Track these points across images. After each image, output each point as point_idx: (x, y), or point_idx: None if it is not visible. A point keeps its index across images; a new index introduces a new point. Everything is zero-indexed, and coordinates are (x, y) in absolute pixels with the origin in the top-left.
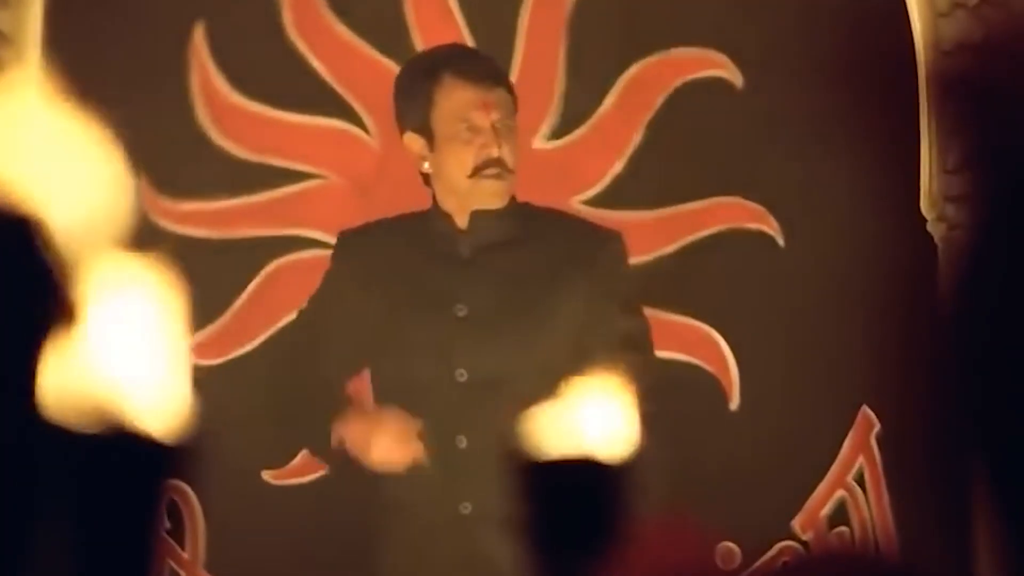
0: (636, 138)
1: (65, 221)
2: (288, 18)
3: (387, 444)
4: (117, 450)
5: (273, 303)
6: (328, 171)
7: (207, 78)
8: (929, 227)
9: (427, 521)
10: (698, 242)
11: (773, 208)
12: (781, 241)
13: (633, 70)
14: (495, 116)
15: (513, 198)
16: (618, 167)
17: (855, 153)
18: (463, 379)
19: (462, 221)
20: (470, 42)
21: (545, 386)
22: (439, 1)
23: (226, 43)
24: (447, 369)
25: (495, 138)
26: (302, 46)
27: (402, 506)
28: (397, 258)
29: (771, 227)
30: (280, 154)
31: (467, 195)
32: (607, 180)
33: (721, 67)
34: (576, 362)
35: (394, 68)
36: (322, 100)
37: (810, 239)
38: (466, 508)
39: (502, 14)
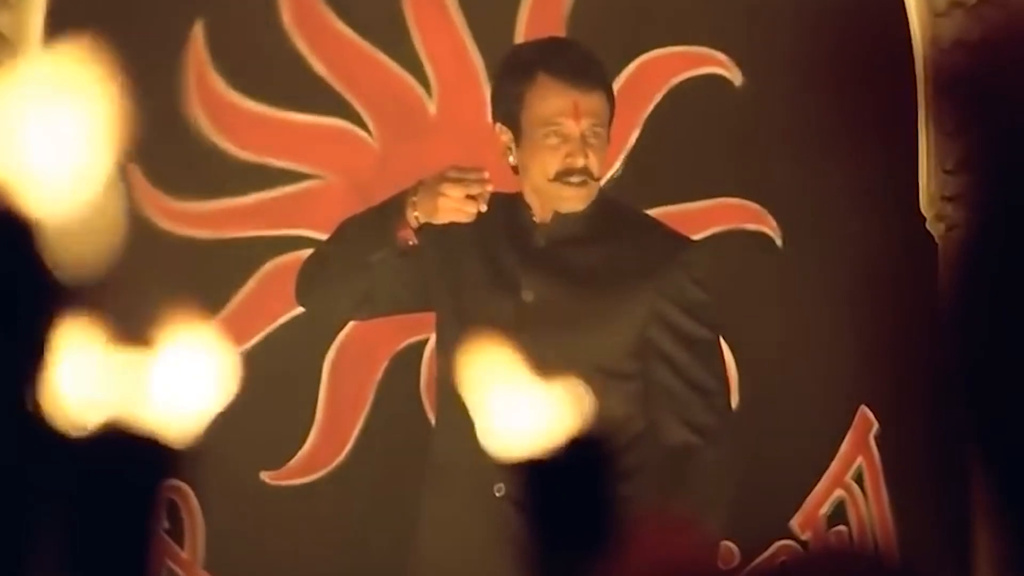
0: (634, 137)
1: (63, 220)
2: (287, 17)
3: (455, 196)
4: (116, 450)
5: (271, 303)
6: (327, 171)
7: (206, 78)
8: (928, 226)
9: (462, 497)
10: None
11: (772, 208)
12: (779, 241)
13: (631, 68)
14: (585, 123)
15: (597, 195)
16: (617, 166)
17: (854, 152)
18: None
19: (542, 217)
20: (469, 40)
21: (597, 385)
22: (438, 0)
23: (225, 42)
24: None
25: (582, 147)
26: (301, 45)
27: (445, 468)
28: (478, 231)
29: (770, 227)
30: (279, 154)
31: (547, 196)
32: (605, 179)
33: (720, 65)
34: (632, 366)
35: (393, 67)
36: (321, 99)
37: (809, 239)
38: (500, 490)
39: (501, 13)
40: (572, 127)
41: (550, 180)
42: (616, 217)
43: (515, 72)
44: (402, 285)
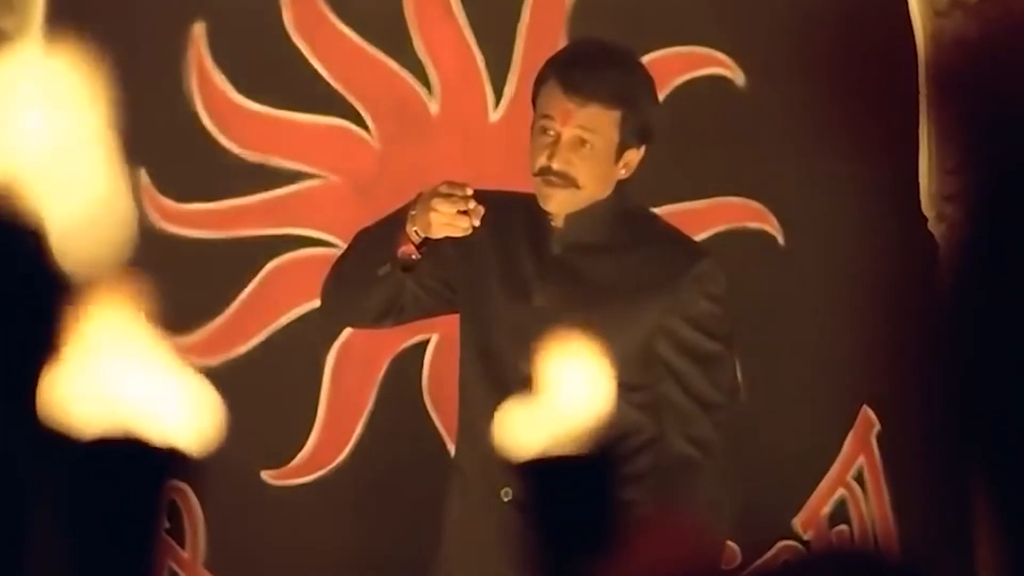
0: None
1: (64, 223)
2: (288, 17)
3: (447, 211)
4: (118, 452)
5: (272, 303)
6: (328, 170)
7: (207, 78)
8: (929, 226)
9: (474, 499)
10: (699, 241)
11: (774, 207)
12: (782, 240)
13: None
14: (572, 130)
15: (615, 201)
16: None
17: (856, 152)
18: (527, 372)
19: (558, 220)
20: (471, 40)
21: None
22: (440, 0)
23: (226, 42)
24: (513, 356)
25: (555, 147)
26: (302, 45)
27: (462, 470)
28: (499, 233)
29: (772, 226)
30: (280, 153)
31: (537, 193)
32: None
33: (722, 65)
34: (641, 377)
35: (394, 67)
36: (322, 99)
37: (811, 238)
38: (507, 495)
39: (502, 13)
40: (557, 127)
41: (534, 175)
42: (634, 226)
43: (541, 71)
44: (426, 290)
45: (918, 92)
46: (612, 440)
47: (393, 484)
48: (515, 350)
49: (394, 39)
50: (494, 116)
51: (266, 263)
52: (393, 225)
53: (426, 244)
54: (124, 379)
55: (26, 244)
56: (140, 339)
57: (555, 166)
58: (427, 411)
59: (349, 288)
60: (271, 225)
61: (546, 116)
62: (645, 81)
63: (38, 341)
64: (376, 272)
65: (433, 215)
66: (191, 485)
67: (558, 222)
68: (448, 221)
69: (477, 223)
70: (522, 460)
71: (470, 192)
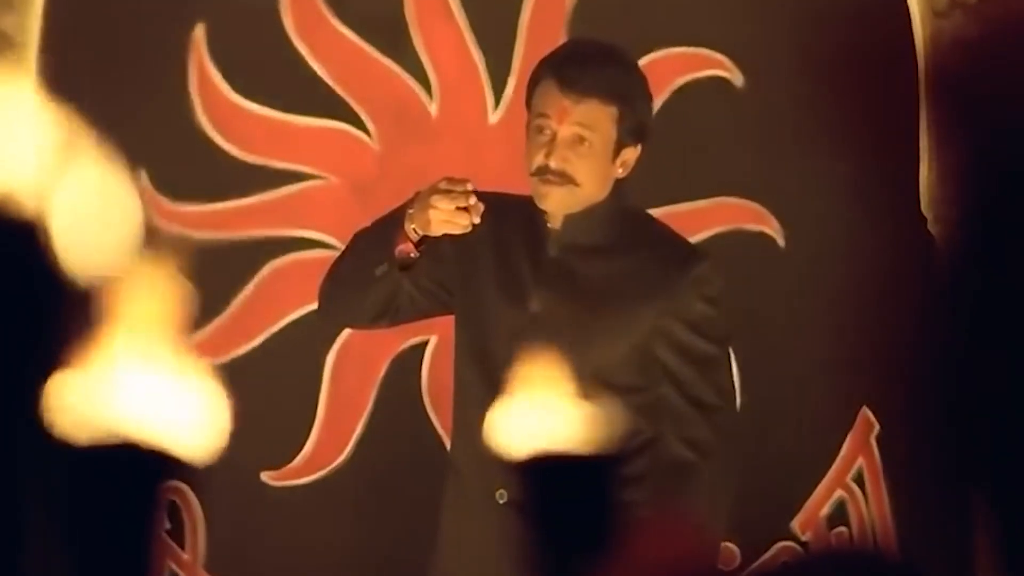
0: None
1: (67, 226)
2: (288, 19)
3: (446, 207)
4: (117, 453)
5: (272, 303)
6: (328, 172)
7: (207, 79)
8: (929, 227)
9: (470, 500)
10: (698, 243)
11: (773, 208)
12: (781, 241)
13: None
14: (567, 127)
15: (613, 202)
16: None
17: (855, 153)
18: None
19: (555, 222)
20: (470, 42)
21: (600, 397)
22: (440, 1)
23: (226, 44)
24: (509, 358)
25: (552, 145)
26: (302, 47)
27: (458, 471)
28: (496, 235)
29: (771, 227)
30: (280, 155)
31: (533, 193)
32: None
33: (721, 67)
34: (638, 379)
35: (394, 68)
36: (322, 101)
37: (810, 239)
38: (502, 497)
39: (502, 14)
40: (553, 126)
41: (531, 175)
42: (631, 227)
43: (535, 71)
44: (422, 291)
45: (918, 92)
46: (608, 442)
47: (393, 484)
48: (511, 352)
49: (394, 41)
50: (494, 118)
51: (266, 264)
52: (391, 224)
53: (424, 242)
54: (126, 381)
55: (29, 246)
56: (142, 340)
57: (553, 164)
58: (426, 412)
59: (346, 289)
60: (271, 226)
61: (542, 115)
62: (640, 79)
63: (40, 344)
64: (374, 272)
65: (432, 212)
66: (191, 486)
67: (555, 224)
68: (447, 218)
69: (477, 220)
70: (517, 462)
71: (470, 188)
